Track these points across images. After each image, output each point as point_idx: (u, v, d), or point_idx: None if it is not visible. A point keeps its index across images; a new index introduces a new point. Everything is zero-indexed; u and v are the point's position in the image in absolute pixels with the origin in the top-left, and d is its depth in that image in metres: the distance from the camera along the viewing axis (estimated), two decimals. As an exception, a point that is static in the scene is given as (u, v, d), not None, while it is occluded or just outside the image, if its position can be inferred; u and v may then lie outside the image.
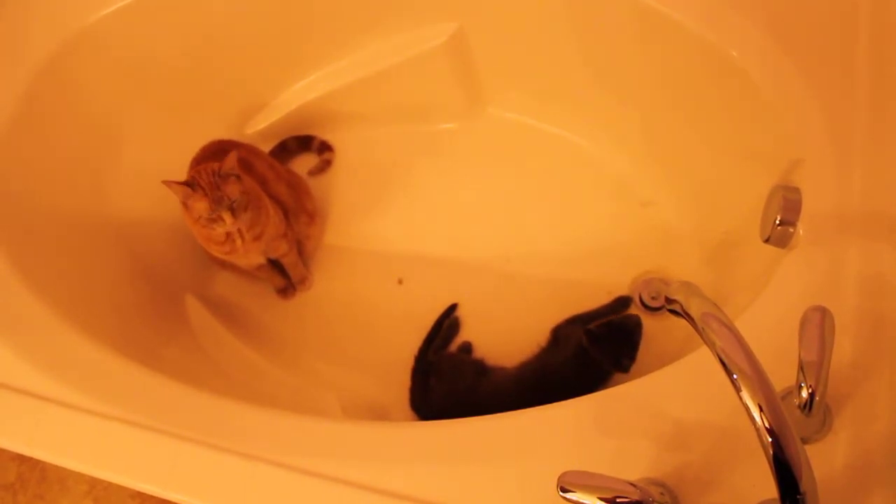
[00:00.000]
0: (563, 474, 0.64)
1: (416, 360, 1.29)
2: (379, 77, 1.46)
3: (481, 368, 1.24)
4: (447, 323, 1.33)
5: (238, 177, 1.11)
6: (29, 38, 1.20)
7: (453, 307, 1.35)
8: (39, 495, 1.55)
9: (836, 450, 0.73)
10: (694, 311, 0.62)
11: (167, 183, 1.06)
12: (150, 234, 1.34)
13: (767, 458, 0.56)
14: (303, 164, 1.54)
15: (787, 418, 0.55)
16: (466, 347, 1.31)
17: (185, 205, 1.10)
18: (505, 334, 1.30)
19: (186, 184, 1.08)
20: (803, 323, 0.68)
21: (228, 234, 1.16)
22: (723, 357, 0.58)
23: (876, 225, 0.86)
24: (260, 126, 1.52)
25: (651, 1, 1.13)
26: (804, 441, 0.73)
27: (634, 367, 1.18)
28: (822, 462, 0.72)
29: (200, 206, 1.08)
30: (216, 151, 1.22)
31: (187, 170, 1.21)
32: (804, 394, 0.67)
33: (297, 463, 0.81)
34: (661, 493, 0.71)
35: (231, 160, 1.09)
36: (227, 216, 1.10)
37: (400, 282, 1.41)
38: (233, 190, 1.10)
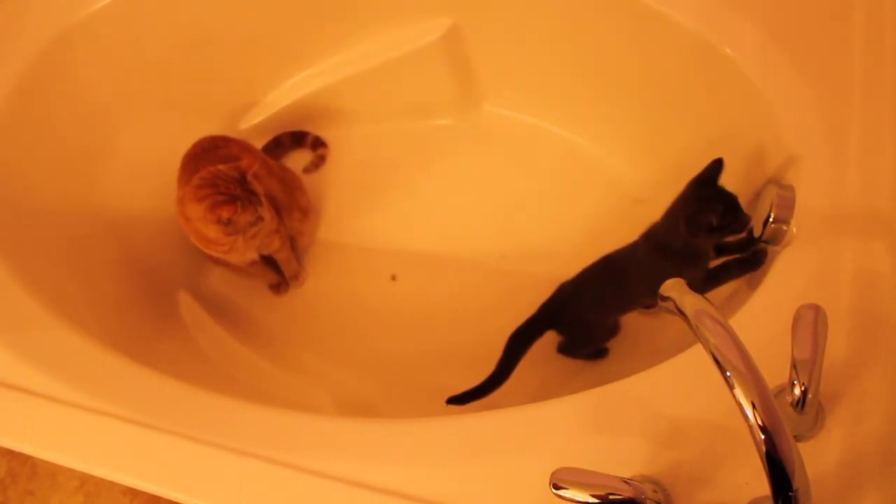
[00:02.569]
0: (557, 471, 0.64)
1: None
2: (374, 73, 1.46)
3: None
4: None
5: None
6: (22, 32, 1.20)
7: None
8: (30, 491, 1.54)
9: (829, 447, 0.73)
10: (687, 309, 0.62)
11: (211, 219, 1.08)
12: (143, 229, 1.33)
13: (760, 456, 0.56)
14: (297, 160, 1.54)
15: (780, 416, 0.55)
16: None
17: (225, 221, 1.09)
18: (498, 331, 1.29)
19: (230, 203, 1.08)
20: (796, 320, 0.68)
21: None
22: (716, 354, 0.58)
23: (870, 222, 0.86)
24: (254, 121, 1.52)
25: (646, -2, 1.13)
26: (797, 439, 0.73)
27: (628, 365, 1.18)
28: (815, 460, 0.72)
29: (248, 215, 1.10)
30: (208, 147, 1.22)
31: (179, 167, 1.21)
32: (797, 391, 0.67)
33: (290, 459, 0.81)
34: (655, 491, 0.71)
35: (254, 165, 1.11)
36: (265, 212, 1.12)
37: (393, 278, 1.41)
38: (259, 186, 1.12)
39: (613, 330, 1.24)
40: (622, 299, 1.18)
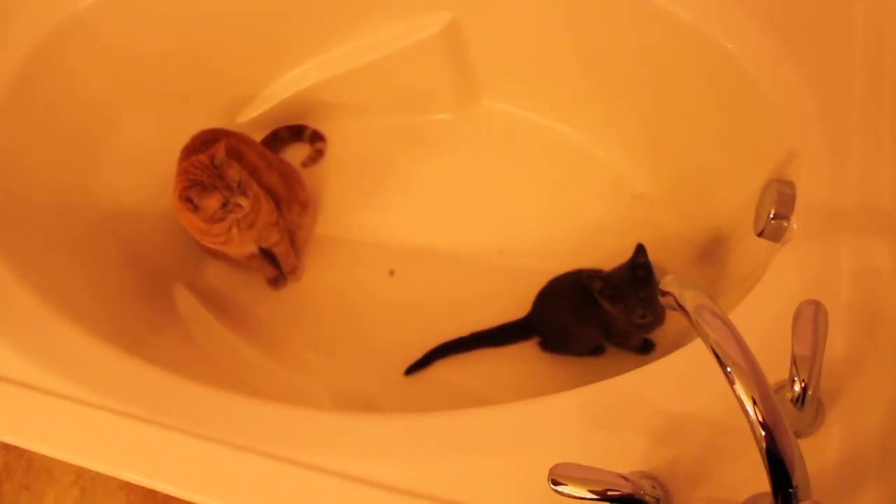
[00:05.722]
0: (555, 467, 0.64)
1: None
2: (372, 67, 1.46)
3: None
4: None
5: (230, 161, 1.12)
6: (19, 23, 1.19)
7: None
8: (26, 485, 1.54)
9: (829, 444, 0.73)
10: (688, 304, 0.61)
11: (182, 206, 1.08)
12: (140, 222, 1.33)
13: (760, 452, 0.55)
14: (295, 154, 1.53)
15: (780, 412, 0.55)
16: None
17: (192, 208, 1.09)
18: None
19: (191, 187, 1.07)
20: (796, 317, 0.67)
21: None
22: (716, 350, 0.58)
23: (870, 219, 0.86)
24: (252, 115, 1.51)
25: (647, -8, 1.13)
26: (796, 435, 0.73)
27: (626, 360, 1.18)
28: (814, 456, 0.72)
29: (213, 201, 1.08)
30: (207, 141, 1.21)
31: (178, 160, 1.20)
32: (797, 388, 0.67)
33: (286, 453, 0.81)
34: (653, 487, 0.71)
35: (220, 149, 1.09)
36: (242, 200, 1.11)
37: (391, 273, 1.41)
38: (234, 173, 1.10)
39: (595, 349, 1.26)
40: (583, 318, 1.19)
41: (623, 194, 1.41)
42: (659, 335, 1.20)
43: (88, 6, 1.22)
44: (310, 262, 1.43)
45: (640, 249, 1.06)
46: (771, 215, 0.89)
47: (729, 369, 0.57)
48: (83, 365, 0.91)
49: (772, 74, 1.01)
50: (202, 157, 1.10)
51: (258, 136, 1.49)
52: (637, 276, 1.06)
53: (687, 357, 0.83)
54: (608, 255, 1.29)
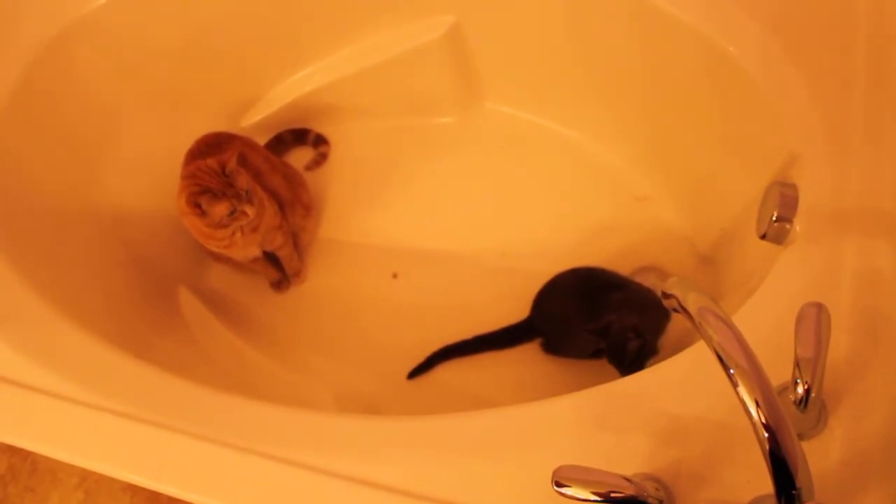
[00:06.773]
0: (558, 469, 0.64)
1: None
2: (375, 70, 1.46)
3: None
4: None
5: (239, 169, 1.12)
6: (26, 26, 1.19)
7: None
8: (30, 487, 1.54)
9: (832, 446, 0.73)
10: (691, 306, 0.62)
11: (189, 211, 1.08)
12: (144, 225, 1.33)
13: (763, 454, 0.55)
14: (298, 157, 1.53)
15: (783, 414, 0.55)
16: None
17: (199, 213, 1.09)
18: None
19: (202, 193, 1.08)
20: (799, 319, 0.68)
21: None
22: (720, 352, 0.58)
23: (872, 221, 0.86)
24: (255, 119, 1.52)
25: (648, -5, 1.13)
26: (800, 437, 0.73)
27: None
28: (818, 458, 0.72)
29: (221, 208, 1.09)
30: (211, 144, 1.22)
31: (182, 163, 1.21)
32: (800, 390, 0.67)
33: (290, 456, 0.81)
34: (656, 489, 0.71)
35: (232, 158, 1.10)
36: (248, 208, 1.11)
37: (395, 276, 1.41)
38: (243, 181, 1.11)
39: (596, 352, 1.25)
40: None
41: (625, 196, 1.41)
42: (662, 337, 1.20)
43: (95, 10, 1.22)
44: (313, 265, 1.44)
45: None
46: (773, 218, 0.89)
47: (732, 371, 0.57)
48: (87, 367, 0.91)
49: (773, 76, 1.01)
50: (211, 163, 1.10)
51: (262, 140, 1.49)
52: None
53: (690, 359, 0.83)
54: (611, 257, 1.30)
